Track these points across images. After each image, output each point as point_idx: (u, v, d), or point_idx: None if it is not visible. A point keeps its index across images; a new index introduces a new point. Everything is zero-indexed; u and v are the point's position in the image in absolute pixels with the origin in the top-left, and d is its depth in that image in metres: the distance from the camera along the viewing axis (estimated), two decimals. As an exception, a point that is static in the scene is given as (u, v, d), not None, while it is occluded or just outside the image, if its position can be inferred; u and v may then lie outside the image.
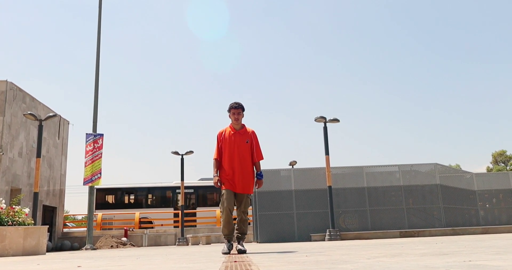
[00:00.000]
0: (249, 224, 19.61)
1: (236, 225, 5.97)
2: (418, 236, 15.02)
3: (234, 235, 5.95)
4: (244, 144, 5.98)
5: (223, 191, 5.85)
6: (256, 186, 6.10)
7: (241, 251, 5.74)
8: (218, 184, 5.85)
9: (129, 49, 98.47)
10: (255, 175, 6.09)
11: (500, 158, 51.16)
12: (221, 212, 5.83)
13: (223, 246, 6.02)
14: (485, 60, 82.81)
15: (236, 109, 5.99)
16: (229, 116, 6.08)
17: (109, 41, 75.97)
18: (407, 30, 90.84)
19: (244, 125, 6.11)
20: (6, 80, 18.59)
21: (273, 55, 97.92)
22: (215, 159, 6.10)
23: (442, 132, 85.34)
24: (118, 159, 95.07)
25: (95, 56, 19.93)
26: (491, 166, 51.52)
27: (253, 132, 6.12)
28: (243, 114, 6.07)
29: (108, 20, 77.67)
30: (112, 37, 77.71)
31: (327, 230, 15.00)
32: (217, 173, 6.01)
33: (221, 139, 6.07)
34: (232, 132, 6.03)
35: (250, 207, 17.59)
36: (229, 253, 5.64)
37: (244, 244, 6.01)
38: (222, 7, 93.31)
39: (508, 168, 49.69)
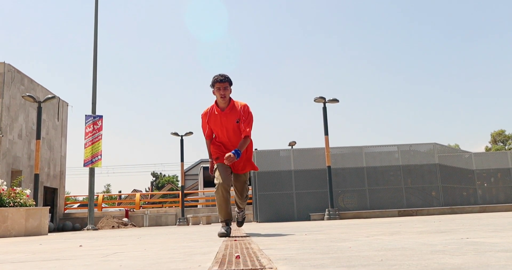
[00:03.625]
0: (250, 204, 19.73)
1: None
2: (416, 215, 15.15)
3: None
4: (234, 125, 4.91)
5: (216, 165, 4.92)
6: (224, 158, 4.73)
7: (239, 223, 5.48)
8: (213, 172, 4.94)
9: (127, 32, 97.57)
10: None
11: (498, 138, 51.22)
12: (215, 191, 4.88)
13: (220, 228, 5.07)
14: (483, 38, 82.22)
15: (222, 83, 4.83)
16: (213, 92, 4.92)
17: (107, 23, 75.11)
18: (405, 8, 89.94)
19: (231, 99, 4.96)
20: (4, 62, 18.46)
21: (271, 35, 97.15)
22: (207, 139, 5.17)
23: (441, 112, 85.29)
24: (118, 140, 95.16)
25: (93, 37, 19.78)
26: (489, 145, 51.60)
27: (244, 106, 4.95)
28: (230, 89, 4.91)
29: (106, 2, 76.73)
30: (110, 19, 76.96)
31: (326, 209, 15.12)
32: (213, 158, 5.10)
33: (207, 122, 5.05)
34: (217, 113, 4.94)
35: (250, 187, 17.64)
36: (227, 235, 4.75)
37: (244, 213, 5.49)
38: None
39: (506, 147, 49.80)
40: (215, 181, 4.83)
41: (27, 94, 16.13)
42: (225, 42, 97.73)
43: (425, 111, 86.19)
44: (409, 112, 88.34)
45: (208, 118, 4.99)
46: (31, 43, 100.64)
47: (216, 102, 4.96)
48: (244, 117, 4.89)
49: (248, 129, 4.88)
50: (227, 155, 4.63)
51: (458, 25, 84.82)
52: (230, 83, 4.89)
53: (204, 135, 5.17)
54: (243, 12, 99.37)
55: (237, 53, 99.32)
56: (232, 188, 5.02)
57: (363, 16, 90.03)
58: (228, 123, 4.89)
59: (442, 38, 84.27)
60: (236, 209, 5.47)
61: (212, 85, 4.88)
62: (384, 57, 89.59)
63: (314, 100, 15.71)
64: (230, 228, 4.87)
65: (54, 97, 16.33)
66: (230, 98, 4.94)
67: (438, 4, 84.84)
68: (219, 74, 4.85)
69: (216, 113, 4.94)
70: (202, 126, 5.15)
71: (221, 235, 4.73)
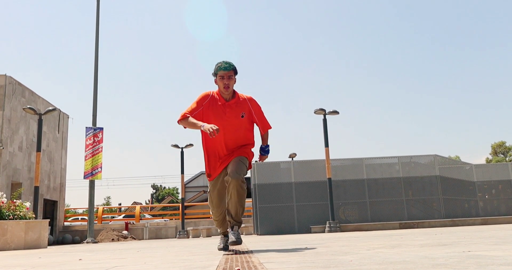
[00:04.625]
0: (249, 216, 19.59)
1: (226, 203, 4.13)
2: (417, 228, 15.07)
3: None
4: (239, 120, 4.24)
5: (209, 186, 4.41)
6: (258, 160, 4.59)
7: (234, 243, 3.95)
8: (213, 129, 3.79)
9: (128, 43, 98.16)
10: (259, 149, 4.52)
11: (499, 149, 51.20)
12: (211, 212, 4.49)
13: (219, 240, 4.64)
14: (483, 50, 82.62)
15: (226, 71, 4.17)
16: (215, 82, 4.26)
17: (108, 34, 75.77)
18: (405, 17, 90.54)
19: (235, 92, 4.33)
20: (5, 75, 18.55)
21: (271, 46, 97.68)
22: (187, 115, 4.20)
23: (442, 123, 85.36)
24: (118, 152, 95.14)
25: (94, 49, 19.89)
26: (490, 157, 51.56)
27: (250, 99, 4.34)
28: (235, 79, 4.26)
29: (107, 14, 77.51)
30: (111, 30, 77.49)
31: (327, 222, 15.05)
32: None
33: (203, 105, 4.24)
34: (220, 103, 4.22)
35: (250, 200, 17.57)
36: (227, 248, 4.44)
37: (239, 232, 4.11)
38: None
39: (507, 159, 49.74)
40: (209, 204, 4.44)
41: (28, 106, 16.17)
42: (226, 45, 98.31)
43: (425, 122, 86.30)
44: (409, 123, 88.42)
45: (209, 103, 4.24)
46: (32, 55, 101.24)
47: (218, 92, 4.29)
48: (256, 111, 4.35)
49: (268, 123, 4.49)
50: (262, 158, 4.51)
51: (459, 37, 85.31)
52: (235, 72, 4.25)
53: (188, 112, 4.22)
54: (243, 22, 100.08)
55: (236, 61, 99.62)
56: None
57: (364, 26, 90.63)
58: (232, 116, 4.21)
59: (442, 50, 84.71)
60: (228, 220, 4.14)
61: (215, 73, 4.22)
62: (385, 68, 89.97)
63: (314, 112, 15.73)
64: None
65: (55, 109, 16.37)
66: (234, 90, 4.31)
67: (439, 15, 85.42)
68: (223, 61, 4.21)
69: (219, 103, 4.23)
70: (196, 104, 4.25)
71: (221, 248, 4.41)
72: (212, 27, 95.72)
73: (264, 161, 4.62)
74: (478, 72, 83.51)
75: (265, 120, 4.46)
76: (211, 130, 3.80)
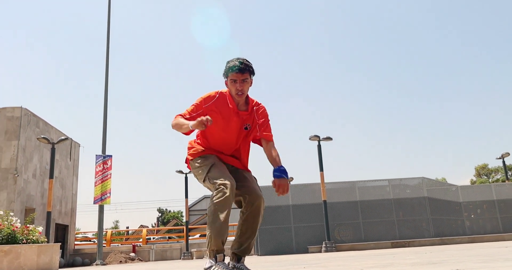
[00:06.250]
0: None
1: (239, 236, 3.08)
2: (408, 246, 14.90)
3: (232, 250, 3.12)
4: (242, 132, 3.22)
5: (209, 159, 3.12)
6: (276, 188, 3.00)
7: None
8: (207, 120, 2.80)
9: (136, 68, 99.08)
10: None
11: (482, 171, 51.12)
12: (215, 198, 2.87)
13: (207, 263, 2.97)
14: (468, 78, 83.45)
15: (241, 74, 3.07)
16: (226, 83, 3.19)
17: (116, 60, 76.48)
18: (393, 45, 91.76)
19: (248, 96, 3.26)
20: (21, 107, 18.64)
21: (270, 72, 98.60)
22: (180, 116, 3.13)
23: (429, 148, 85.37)
24: (125, 178, 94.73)
25: (104, 81, 20.06)
26: (474, 178, 51.45)
27: (263, 108, 3.29)
28: (251, 82, 3.16)
29: (115, 41, 78.48)
30: (119, 57, 78.36)
31: (323, 242, 14.90)
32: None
33: (204, 108, 3.13)
34: (231, 106, 3.16)
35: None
36: None
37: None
38: (224, 21, 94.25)
39: (490, 180, 49.60)
40: (213, 181, 2.93)
41: (42, 136, 16.20)
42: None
43: (413, 147, 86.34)
44: (398, 148, 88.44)
45: (214, 105, 3.14)
46: (43, 83, 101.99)
47: (229, 94, 3.20)
48: (263, 120, 3.24)
49: (271, 134, 3.24)
50: (281, 183, 2.97)
51: (443, 58, 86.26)
52: (252, 73, 3.13)
53: (183, 114, 3.14)
54: (246, 47, 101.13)
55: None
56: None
57: (356, 54, 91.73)
58: (236, 126, 3.17)
59: (428, 74, 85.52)
60: (243, 248, 3.08)
61: (226, 74, 3.14)
62: (372, 95, 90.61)
63: (309, 139, 15.78)
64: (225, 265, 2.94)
65: (67, 138, 16.41)
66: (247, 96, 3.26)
67: (428, 40, 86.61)
68: (237, 60, 3.10)
69: (230, 106, 3.16)
70: (195, 106, 3.15)
71: None
72: (214, 40, 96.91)
73: (283, 189, 2.99)
74: (463, 98, 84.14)
75: (270, 130, 3.25)
76: (204, 120, 2.81)
